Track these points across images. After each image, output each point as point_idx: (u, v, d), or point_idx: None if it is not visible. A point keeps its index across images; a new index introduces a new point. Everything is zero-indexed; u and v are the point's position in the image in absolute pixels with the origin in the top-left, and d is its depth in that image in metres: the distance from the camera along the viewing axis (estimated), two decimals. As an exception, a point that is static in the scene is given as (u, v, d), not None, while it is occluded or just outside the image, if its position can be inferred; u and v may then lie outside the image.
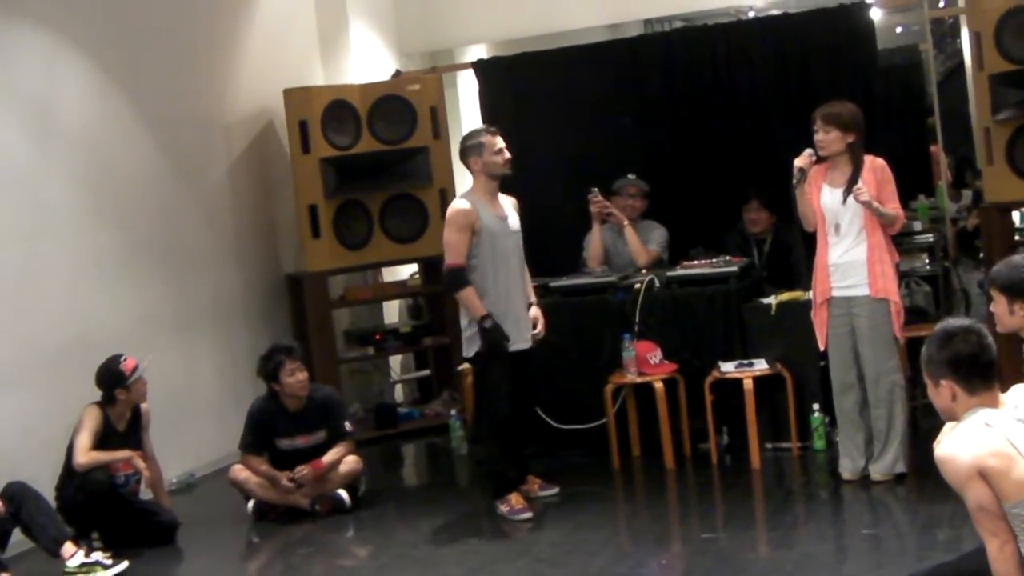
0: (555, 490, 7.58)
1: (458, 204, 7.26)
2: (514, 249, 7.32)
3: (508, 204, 7.40)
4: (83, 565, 6.75)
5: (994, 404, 4.05)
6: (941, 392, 4.10)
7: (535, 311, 7.42)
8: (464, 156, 7.33)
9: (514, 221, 7.36)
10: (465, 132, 7.50)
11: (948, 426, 4.21)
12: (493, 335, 7.10)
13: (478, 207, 7.19)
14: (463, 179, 9.76)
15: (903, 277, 8.60)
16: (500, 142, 7.28)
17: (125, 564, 6.87)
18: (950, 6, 11.43)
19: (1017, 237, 8.69)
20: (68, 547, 6.79)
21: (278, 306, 9.86)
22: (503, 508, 7.24)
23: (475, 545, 6.87)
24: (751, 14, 10.88)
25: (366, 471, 8.06)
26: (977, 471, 3.86)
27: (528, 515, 7.17)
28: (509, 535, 7.00)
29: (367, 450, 8.49)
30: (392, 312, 10.75)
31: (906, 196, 7.89)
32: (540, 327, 7.40)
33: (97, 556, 6.83)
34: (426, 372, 10.48)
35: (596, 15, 10.40)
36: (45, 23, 8.03)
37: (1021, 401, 4.08)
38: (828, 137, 6.96)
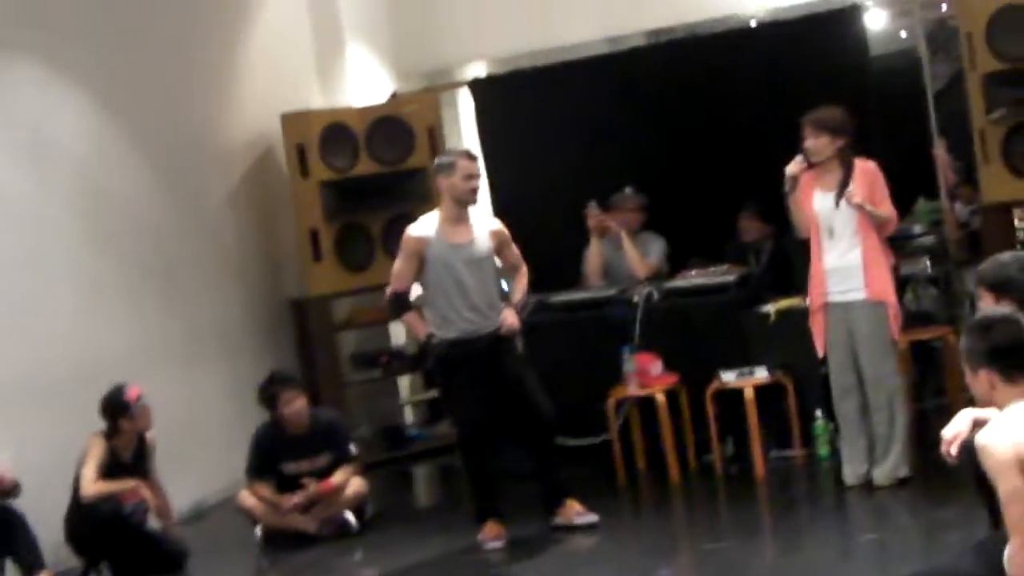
0: (594, 518, 7.03)
1: (410, 229, 7.01)
2: (474, 275, 6.89)
3: (481, 228, 7.04)
4: None
5: None
6: (980, 381, 4.09)
7: (506, 312, 6.96)
8: (435, 174, 7.11)
9: (481, 246, 6.97)
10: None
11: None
12: (436, 349, 6.91)
13: (432, 234, 6.91)
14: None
15: (907, 281, 8.56)
16: (474, 168, 6.98)
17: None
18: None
19: (1020, 235, 8.66)
20: None
21: (282, 330, 9.84)
22: (478, 536, 7.02)
23: (482, 567, 6.82)
24: (753, 23, 10.82)
25: (375, 494, 8.03)
26: (1016, 460, 3.82)
27: (496, 545, 6.92)
28: (513, 554, 6.90)
29: (376, 472, 8.46)
30: (399, 333, 10.71)
31: (907, 200, 7.84)
32: (507, 325, 6.91)
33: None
34: (435, 393, 10.41)
35: (595, 29, 10.25)
36: (38, 52, 8.04)
37: None
38: (818, 143, 6.94)
